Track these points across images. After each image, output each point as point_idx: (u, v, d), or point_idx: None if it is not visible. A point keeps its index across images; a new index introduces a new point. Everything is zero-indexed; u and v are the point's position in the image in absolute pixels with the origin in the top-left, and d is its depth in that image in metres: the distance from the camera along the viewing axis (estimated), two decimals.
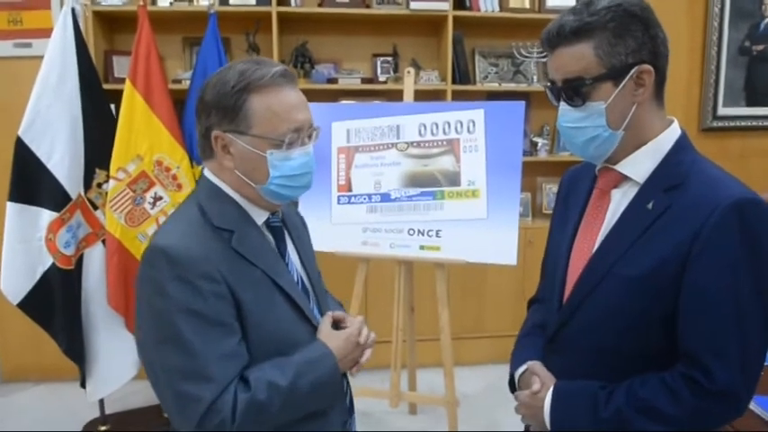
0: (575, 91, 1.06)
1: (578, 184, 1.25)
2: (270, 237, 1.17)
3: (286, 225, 1.23)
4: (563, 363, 1.18)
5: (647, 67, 1.04)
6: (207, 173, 1.15)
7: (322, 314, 1.23)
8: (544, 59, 1.13)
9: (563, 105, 1.10)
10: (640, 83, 1.05)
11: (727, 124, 3.63)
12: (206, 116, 1.09)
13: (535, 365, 1.22)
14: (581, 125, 1.08)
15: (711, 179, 1.06)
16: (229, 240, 1.07)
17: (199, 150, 1.16)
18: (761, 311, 1.01)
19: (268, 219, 1.16)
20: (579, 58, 1.04)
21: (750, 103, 3.63)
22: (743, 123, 3.65)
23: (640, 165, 1.10)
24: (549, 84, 1.12)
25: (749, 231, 0.99)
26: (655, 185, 1.08)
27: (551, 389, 1.15)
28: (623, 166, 1.12)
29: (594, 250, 1.13)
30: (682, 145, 1.11)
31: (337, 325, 1.22)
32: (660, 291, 1.03)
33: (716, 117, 3.61)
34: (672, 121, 1.13)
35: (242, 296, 1.04)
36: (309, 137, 1.13)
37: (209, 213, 1.09)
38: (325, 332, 1.17)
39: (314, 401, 1.11)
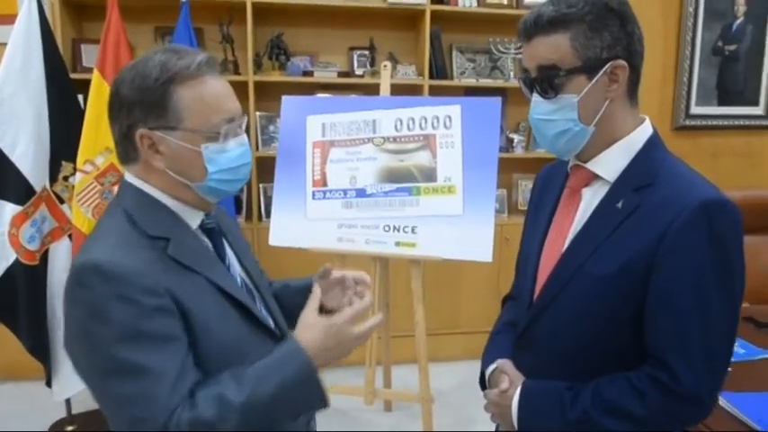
0: (548, 81, 1.05)
1: (551, 182, 1.25)
2: (206, 240, 1.09)
3: (219, 226, 1.14)
4: (532, 361, 1.18)
5: (622, 62, 1.03)
6: (130, 178, 1.05)
7: (271, 313, 1.16)
8: (521, 56, 1.12)
9: (535, 97, 1.09)
10: (614, 78, 1.04)
11: (699, 123, 3.68)
12: (126, 114, 0.99)
13: (505, 364, 1.22)
14: (552, 118, 1.07)
15: (681, 179, 1.05)
16: (165, 249, 0.98)
17: (118, 152, 1.05)
18: (726, 313, 1.01)
19: (203, 221, 1.08)
20: (555, 47, 1.03)
21: (722, 103, 3.69)
22: (714, 122, 3.71)
23: (611, 163, 1.09)
24: (522, 74, 1.11)
25: (716, 233, 0.99)
26: (625, 184, 1.07)
27: (519, 388, 1.15)
28: (594, 165, 1.11)
29: (564, 249, 1.12)
30: (653, 144, 1.10)
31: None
32: (628, 291, 1.03)
33: (689, 116, 3.66)
34: (644, 120, 1.12)
35: (187, 306, 0.95)
36: (240, 126, 1.06)
37: (140, 222, 0.99)
38: (304, 318, 1.03)
39: (284, 410, 0.98)
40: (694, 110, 3.65)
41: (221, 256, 1.10)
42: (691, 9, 3.53)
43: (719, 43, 3.61)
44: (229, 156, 1.03)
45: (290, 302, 1.24)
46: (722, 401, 1.47)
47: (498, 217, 3.40)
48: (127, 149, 1.02)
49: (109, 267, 0.90)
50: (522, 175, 3.56)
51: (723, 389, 1.50)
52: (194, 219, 1.07)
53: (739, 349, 1.79)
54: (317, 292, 1.08)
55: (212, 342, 0.97)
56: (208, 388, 0.93)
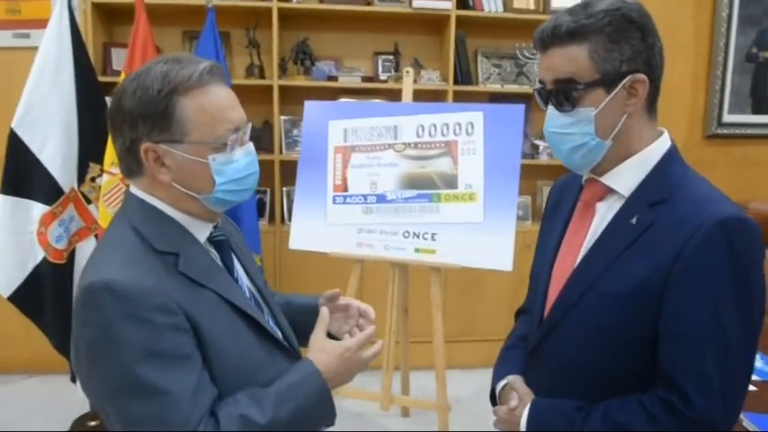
0: (565, 94, 1.03)
1: (565, 195, 1.23)
2: (214, 252, 1.08)
3: (227, 237, 1.13)
4: (543, 378, 1.16)
5: (642, 76, 1.00)
6: (136, 191, 1.02)
7: (278, 325, 1.15)
8: None
9: (551, 110, 1.07)
10: (633, 92, 1.01)
11: (732, 131, 3.58)
12: (130, 128, 0.96)
13: (515, 381, 1.20)
14: (568, 131, 1.05)
15: (698, 195, 1.02)
16: (175, 264, 0.96)
17: (122, 167, 1.03)
18: (744, 336, 0.98)
19: (211, 234, 1.07)
20: (572, 60, 1.01)
21: (756, 111, 3.58)
22: (748, 131, 3.60)
23: (626, 177, 1.07)
24: (538, 86, 1.09)
25: (734, 252, 0.95)
26: (640, 199, 1.05)
27: (528, 406, 1.13)
28: (609, 179, 1.08)
29: (576, 265, 1.10)
30: (670, 158, 1.07)
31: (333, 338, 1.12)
32: (641, 310, 1.00)
33: (721, 124, 3.56)
34: (662, 133, 1.09)
35: (200, 323, 0.94)
36: (245, 134, 1.04)
37: (148, 237, 0.97)
38: (316, 343, 1.07)
39: (302, 427, 1.01)
40: (727, 117, 3.55)
41: (229, 268, 1.09)
42: (724, 14, 3.43)
43: (754, 50, 3.50)
44: (237, 166, 1.01)
45: (293, 320, 1.24)
46: (746, 422, 1.43)
47: (521, 224, 3.36)
48: (131, 163, 1.00)
49: (121, 286, 0.88)
50: (546, 182, 3.51)
51: (747, 409, 1.46)
52: (202, 232, 1.05)
53: (765, 367, 1.74)
54: (325, 317, 1.11)
55: (225, 359, 0.96)
56: (229, 407, 0.93)
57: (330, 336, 1.14)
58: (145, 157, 0.98)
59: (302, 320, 1.18)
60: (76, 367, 0.96)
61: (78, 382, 2.49)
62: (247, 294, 1.10)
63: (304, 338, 1.16)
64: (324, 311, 1.12)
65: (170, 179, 0.99)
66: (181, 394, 0.89)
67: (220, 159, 0.99)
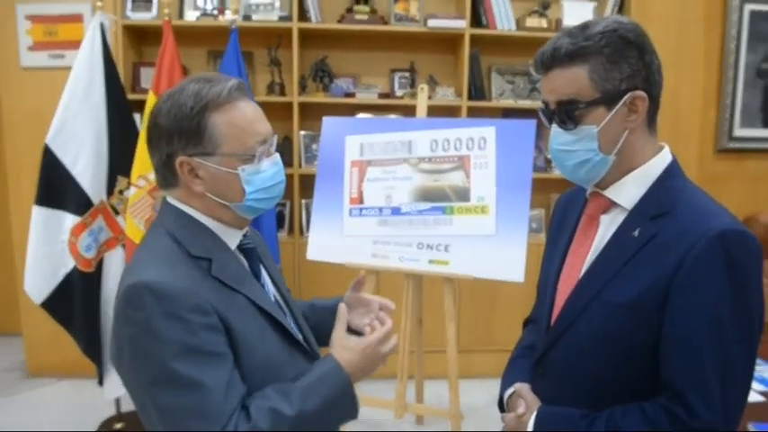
0: (567, 114, 1.06)
1: (570, 208, 1.27)
2: (243, 259, 1.14)
3: (255, 246, 1.19)
4: (549, 386, 1.19)
5: (641, 93, 1.04)
6: (172, 201, 1.09)
7: (300, 328, 1.21)
8: None
9: (554, 128, 1.10)
10: (633, 109, 1.05)
11: (743, 146, 3.60)
12: (166, 143, 1.03)
13: (522, 388, 1.23)
14: (572, 148, 1.08)
15: (698, 208, 1.05)
16: (209, 269, 1.03)
17: (158, 179, 1.10)
18: (744, 346, 1.00)
19: (241, 242, 1.13)
20: (573, 81, 1.04)
21: (767, 125, 3.61)
22: (759, 145, 3.62)
23: (628, 191, 1.10)
24: (542, 106, 1.13)
25: (733, 263, 0.98)
26: (642, 213, 1.08)
27: (534, 413, 1.16)
28: (612, 192, 1.12)
29: (581, 276, 1.13)
30: (671, 171, 1.10)
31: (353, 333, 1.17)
32: (644, 319, 1.03)
33: (732, 138, 3.59)
34: (662, 148, 1.12)
35: (231, 324, 1.00)
36: (271, 146, 1.10)
37: (184, 243, 1.04)
38: (338, 341, 1.12)
39: (325, 422, 1.06)
40: (738, 132, 3.58)
41: (256, 274, 1.15)
42: (734, 31, 3.48)
43: (764, 65, 3.54)
44: (264, 176, 1.08)
45: (319, 321, 1.31)
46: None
47: (535, 236, 3.41)
48: (166, 176, 1.07)
49: (160, 287, 0.94)
50: (559, 194, 3.54)
51: (754, 419, 1.48)
52: (233, 239, 1.12)
53: None
54: (344, 313, 1.17)
55: (253, 357, 1.02)
56: (258, 400, 0.99)
57: (351, 331, 1.20)
58: (180, 170, 1.04)
59: (327, 319, 1.23)
60: (117, 362, 1.02)
61: (105, 386, 2.62)
62: (273, 299, 1.17)
63: (324, 337, 1.22)
64: (342, 309, 1.18)
65: (204, 189, 1.06)
66: (214, 388, 0.94)
67: (249, 170, 1.06)
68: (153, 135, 1.06)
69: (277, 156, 1.12)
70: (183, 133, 1.02)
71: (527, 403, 1.19)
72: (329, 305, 1.34)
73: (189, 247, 1.04)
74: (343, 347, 1.11)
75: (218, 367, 0.97)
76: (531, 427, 1.15)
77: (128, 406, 2.77)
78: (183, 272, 1.00)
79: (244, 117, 1.05)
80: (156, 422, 0.97)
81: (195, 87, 1.03)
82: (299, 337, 1.17)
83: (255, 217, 1.17)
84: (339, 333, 1.14)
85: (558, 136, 1.10)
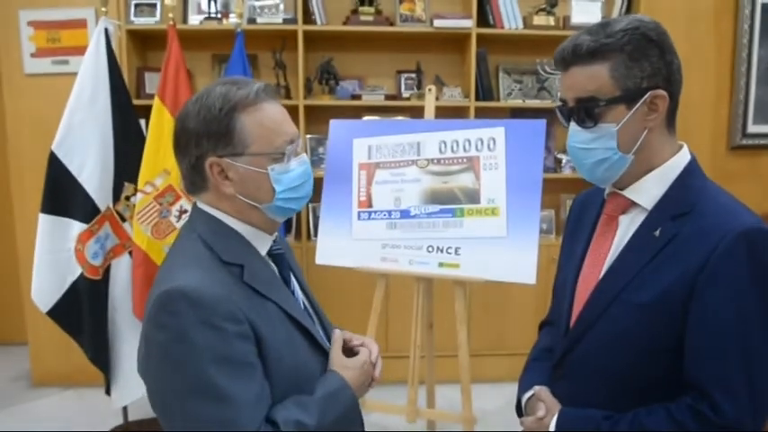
0: (587, 111, 1.05)
1: (588, 209, 1.25)
2: (273, 265, 1.14)
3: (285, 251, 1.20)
4: (569, 388, 1.17)
5: (662, 92, 1.03)
6: (202, 205, 1.10)
7: (327, 335, 1.22)
8: None
9: (573, 126, 1.10)
10: (653, 108, 1.04)
11: (757, 142, 3.55)
12: (195, 146, 1.04)
13: (541, 391, 1.22)
14: (591, 146, 1.08)
15: (720, 207, 1.04)
16: (241, 275, 1.03)
17: (186, 184, 1.11)
18: None
19: (271, 248, 1.14)
20: (594, 78, 1.04)
21: None
22: None
23: (648, 191, 1.09)
24: (560, 103, 1.12)
25: (758, 262, 0.97)
26: (662, 212, 1.07)
27: (555, 416, 1.14)
28: (631, 192, 1.11)
29: (601, 276, 1.13)
30: (691, 170, 1.09)
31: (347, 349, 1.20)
32: (667, 319, 1.02)
33: (745, 135, 3.54)
34: (681, 146, 1.12)
35: (262, 333, 1.00)
36: (298, 146, 1.11)
37: (216, 248, 1.04)
38: (338, 361, 1.14)
39: None
40: (751, 128, 3.52)
41: (286, 280, 1.15)
42: (746, 26, 3.43)
43: None
44: (292, 175, 1.08)
45: None
46: None
47: (546, 238, 3.37)
48: (196, 180, 1.07)
49: (196, 295, 0.94)
50: (569, 195, 3.52)
51: None
52: (264, 245, 1.12)
53: None
54: (339, 337, 1.18)
55: (280, 368, 1.02)
56: (284, 412, 0.99)
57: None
58: (210, 172, 1.05)
59: None
60: (144, 368, 1.02)
61: (112, 394, 2.60)
62: (302, 307, 1.17)
63: None
64: (336, 333, 1.19)
65: (234, 191, 1.06)
66: (244, 400, 0.94)
67: (278, 169, 1.07)
68: (181, 139, 1.06)
69: (304, 156, 1.13)
70: (213, 134, 1.03)
71: (547, 406, 1.18)
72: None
73: (221, 252, 1.04)
74: (344, 367, 1.13)
75: (249, 378, 0.97)
76: (552, 429, 1.14)
77: (135, 415, 2.75)
78: (217, 278, 1.00)
79: (272, 117, 1.06)
80: (183, 430, 0.96)
81: (223, 89, 1.04)
82: (326, 344, 1.17)
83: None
84: (337, 355, 1.15)
85: (576, 134, 1.10)
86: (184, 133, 1.05)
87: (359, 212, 2.55)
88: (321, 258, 2.56)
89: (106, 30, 2.50)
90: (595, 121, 1.05)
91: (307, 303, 1.22)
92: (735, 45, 3.48)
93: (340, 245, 2.53)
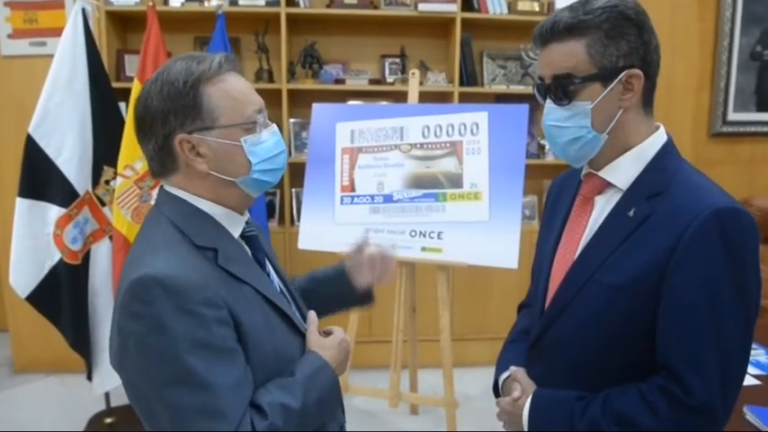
0: (562, 88, 1.05)
1: (565, 190, 1.25)
2: (246, 248, 1.11)
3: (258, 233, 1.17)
4: (544, 369, 1.18)
5: (637, 71, 1.03)
6: (170, 188, 1.05)
7: (303, 316, 1.20)
8: None
9: (549, 103, 1.09)
10: (629, 87, 1.04)
11: (737, 129, 3.60)
12: (162, 124, 1.00)
13: (517, 372, 1.22)
14: (565, 125, 1.07)
15: (693, 187, 1.04)
16: (215, 259, 0.99)
17: (154, 167, 1.06)
18: (741, 324, 0.99)
19: (243, 230, 1.10)
20: (570, 55, 1.03)
21: (761, 109, 3.59)
22: (753, 129, 3.61)
23: (623, 171, 1.09)
24: (537, 81, 1.11)
25: (729, 241, 0.97)
26: (637, 193, 1.07)
27: (530, 397, 1.15)
28: (606, 173, 1.11)
29: (576, 257, 1.13)
30: (666, 152, 1.09)
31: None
32: (640, 300, 1.02)
33: (726, 122, 3.58)
34: (658, 127, 1.11)
35: (240, 318, 0.97)
36: (266, 117, 1.08)
37: (188, 232, 1.00)
38: (316, 342, 1.12)
39: (320, 416, 1.09)
40: (732, 116, 3.57)
41: (260, 263, 1.13)
42: (728, 14, 3.45)
43: (758, 48, 3.52)
44: (267, 146, 1.06)
45: (320, 292, 1.35)
46: (749, 416, 1.44)
47: (528, 223, 3.39)
48: (164, 161, 1.03)
49: (170, 281, 0.91)
50: (553, 181, 3.53)
51: (750, 402, 1.48)
52: (236, 227, 1.09)
53: None
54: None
55: (262, 351, 1.00)
56: (268, 396, 0.98)
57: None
58: (180, 149, 1.01)
59: (330, 290, 1.33)
60: (119, 359, 0.98)
61: (93, 380, 2.58)
62: (278, 289, 1.15)
63: (335, 306, 1.37)
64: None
65: (207, 168, 1.02)
66: (227, 387, 0.92)
67: (251, 140, 1.04)
68: (146, 120, 1.01)
69: (274, 126, 1.10)
70: (179, 110, 0.99)
71: (522, 387, 1.19)
72: (332, 272, 1.40)
73: (193, 236, 1.00)
74: (322, 347, 1.12)
75: (230, 364, 0.94)
76: (526, 410, 1.14)
77: (117, 401, 2.74)
78: (191, 263, 0.96)
79: (238, 88, 1.04)
80: (165, 421, 0.93)
81: (183, 65, 1.01)
82: (302, 325, 1.16)
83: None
84: (314, 335, 1.14)
85: (551, 112, 1.09)
86: (148, 113, 1.01)
87: (342, 197, 2.55)
88: (304, 243, 2.56)
89: (83, 10, 2.45)
90: (570, 99, 1.05)
91: (283, 286, 1.20)
92: (717, 33, 3.51)
93: (323, 230, 2.53)
